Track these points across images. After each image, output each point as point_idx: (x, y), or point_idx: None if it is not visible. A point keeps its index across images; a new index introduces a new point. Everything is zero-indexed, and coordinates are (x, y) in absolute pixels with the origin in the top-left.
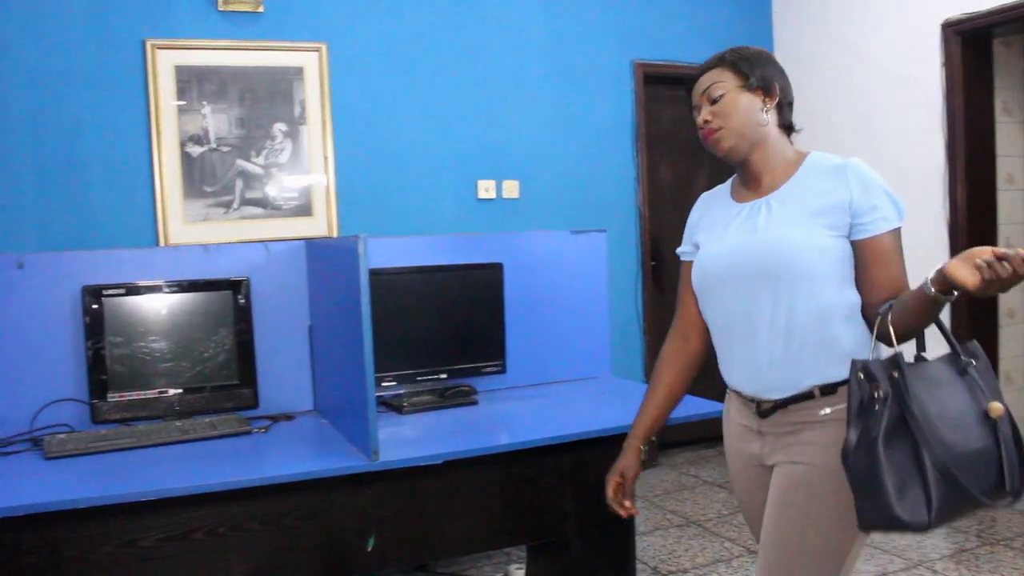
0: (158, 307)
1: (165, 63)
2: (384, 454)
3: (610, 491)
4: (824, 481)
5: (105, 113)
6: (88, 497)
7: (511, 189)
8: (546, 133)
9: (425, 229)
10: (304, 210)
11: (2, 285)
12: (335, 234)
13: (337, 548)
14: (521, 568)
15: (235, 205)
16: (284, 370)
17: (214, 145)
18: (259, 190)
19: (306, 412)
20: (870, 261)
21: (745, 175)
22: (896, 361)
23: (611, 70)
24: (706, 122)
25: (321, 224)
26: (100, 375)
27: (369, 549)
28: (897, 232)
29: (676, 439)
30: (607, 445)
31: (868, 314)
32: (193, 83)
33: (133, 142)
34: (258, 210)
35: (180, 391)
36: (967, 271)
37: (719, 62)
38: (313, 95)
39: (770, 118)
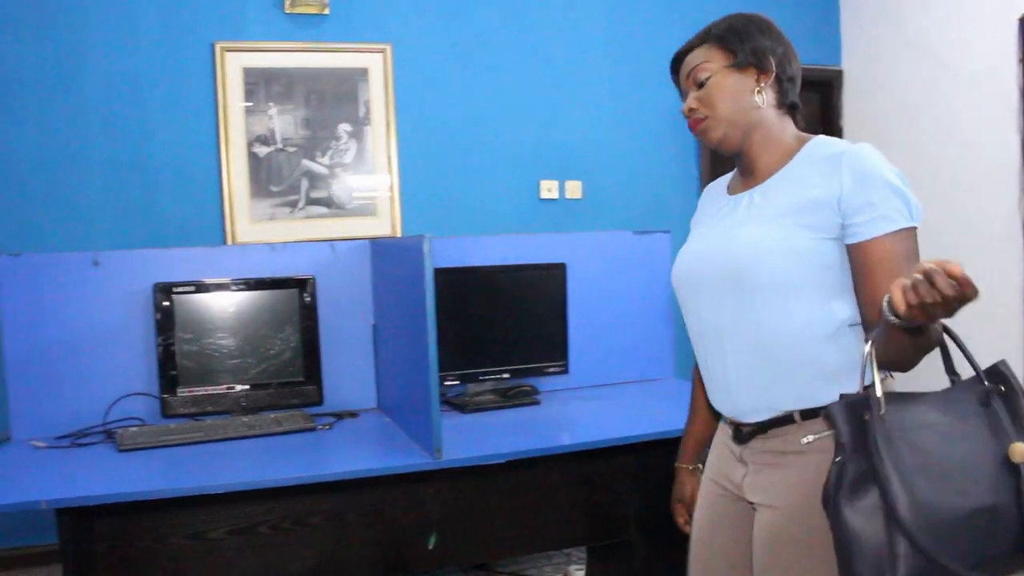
0: (226, 304)
1: (233, 65)
2: (447, 453)
3: (681, 521)
4: (809, 532)
5: (175, 115)
6: (158, 489)
7: (574, 189)
8: (609, 133)
9: (487, 229)
10: (368, 209)
11: (79, 282)
12: (398, 233)
13: (398, 545)
14: (581, 569)
15: (300, 204)
16: (348, 368)
17: (280, 145)
18: (324, 190)
19: (370, 410)
20: (864, 270)
21: (740, 164)
22: (868, 400)
23: None
24: (692, 110)
25: (385, 223)
26: (170, 371)
27: (430, 547)
28: (904, 235)
29: None
30: (670, 447)
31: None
32: (260, 85)
33: (202, 143)
34: (323, 209)
35: (247, 387)
36: (898, 292)
37: (704, 38)
38: (377, 96)
39: (766, 99)
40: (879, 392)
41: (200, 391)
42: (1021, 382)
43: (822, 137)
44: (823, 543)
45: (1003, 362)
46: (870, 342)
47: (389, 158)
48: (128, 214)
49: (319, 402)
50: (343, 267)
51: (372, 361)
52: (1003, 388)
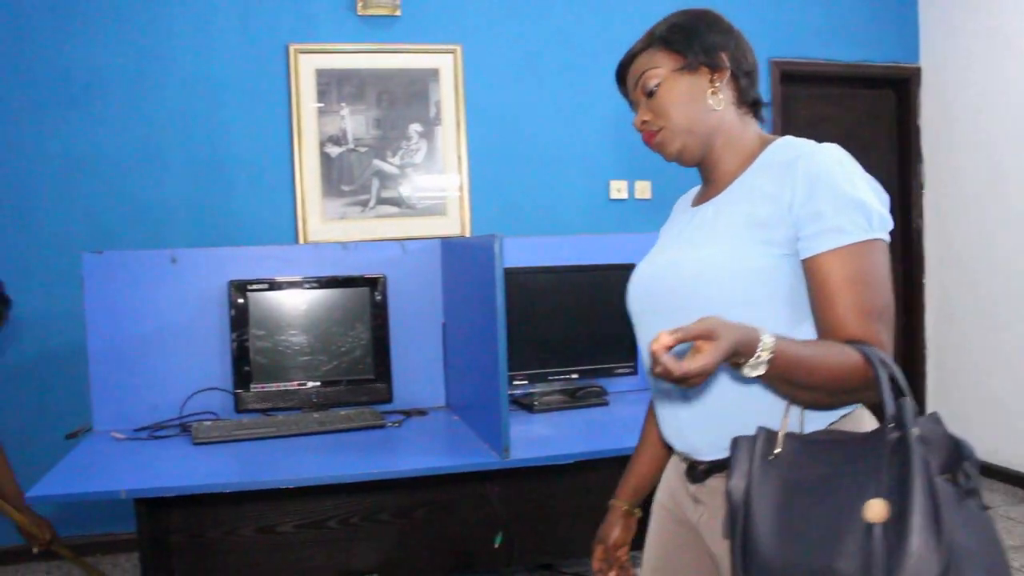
0: (299, 302)
1: (307, 67)
2: (515, 452)
3: (594, 562)
4: None
5: (250, 116)
6: (231, 482)
7: (643, 190)
8: None
9: (556, 229)
10: (438, 209)
11: (158, 279)
12: (468, 233)
13: (464, 543)
14: None
15: (371, 204)
16: (418, 366)
17: (352, 145)
18: (394, 189)
19: (438, 408)
20: (813, 290)
21: (702, 172)
22: (754, 440)
23: None
24: (644, 123)
25: (454, 223)
26: (244, 366)
27: (496, 546)
28: (860, 250)
29: None
30: None
31: None
32: (332, 86)
33: (276, 143)
34: (393, 209)
35: (318, 384)
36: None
37: (648, 41)
38: (448, 96)
39: (724, 99)
40: (782, 430)
41: (272, 387)
42: (946, 435)
43: (786, 139)
44: None
45: (906, 401)
46: None
47: (459, 158)
48: (204, 213)
49: (389, 400)
50: (414, 266)
51: (441, 360)
52: (896, 434)
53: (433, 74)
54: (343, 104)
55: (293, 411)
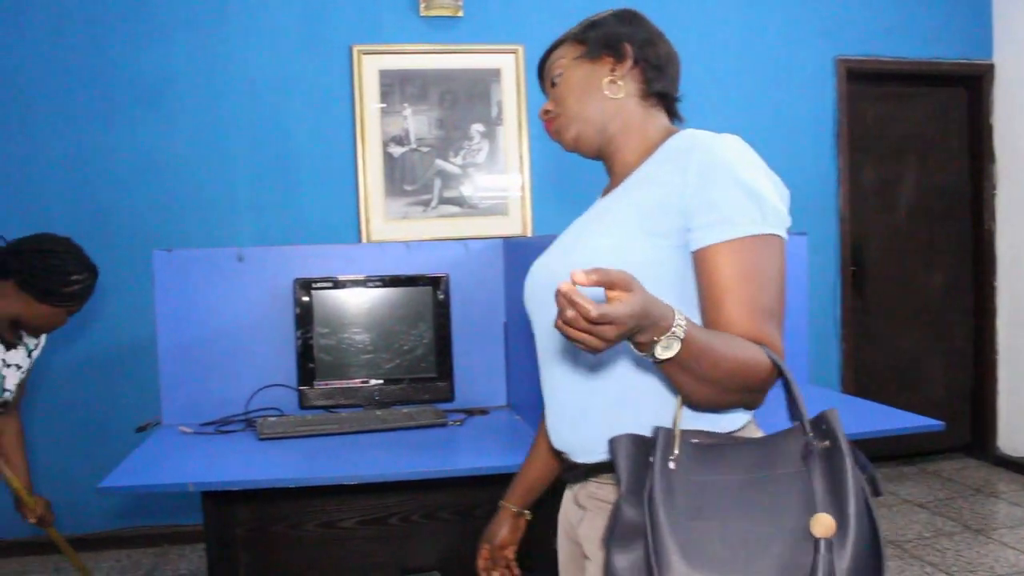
0: (362, 300)
1: (370, 68)
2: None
3: (479, 560)
4: None
5: (314, 117)
6: (295, 477)
7: None
8: (741, 132)
9: None
10: (499, 209)
11: (225, 277)
12: (529, 233)
13: (525, 543)
14: None
15: (433, 204)
16: (479, 365)
17: (414, 145)
18: (456, 189)
19: (500, 407)
20: (700, 284)
21: (605, 165)
22: (656, 439)
23: (811, 66)
24: (546, 112)
25: (515, 223)
26: (308, 363)
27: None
28: (750, 244)
29: (874, 453)
30: None
31: None
32: (395, 86)
33: (339, 143)
34: (455, 209)
35: (380, 382)
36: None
37: (563, 38)
38: (510, 96)
39: (624, 88)
40: (676, 429)
41: (336, 384)
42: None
43: (690, 130)
44: None
45: (833, 412)
46: None
47: (521, 158)
48: (269, 212)
49: (450, 398)
50: (476, 266)
51: (503, 359)
52: (828, 443)
53: (495, 74)
54: (406, 104)
55: (355, 408)
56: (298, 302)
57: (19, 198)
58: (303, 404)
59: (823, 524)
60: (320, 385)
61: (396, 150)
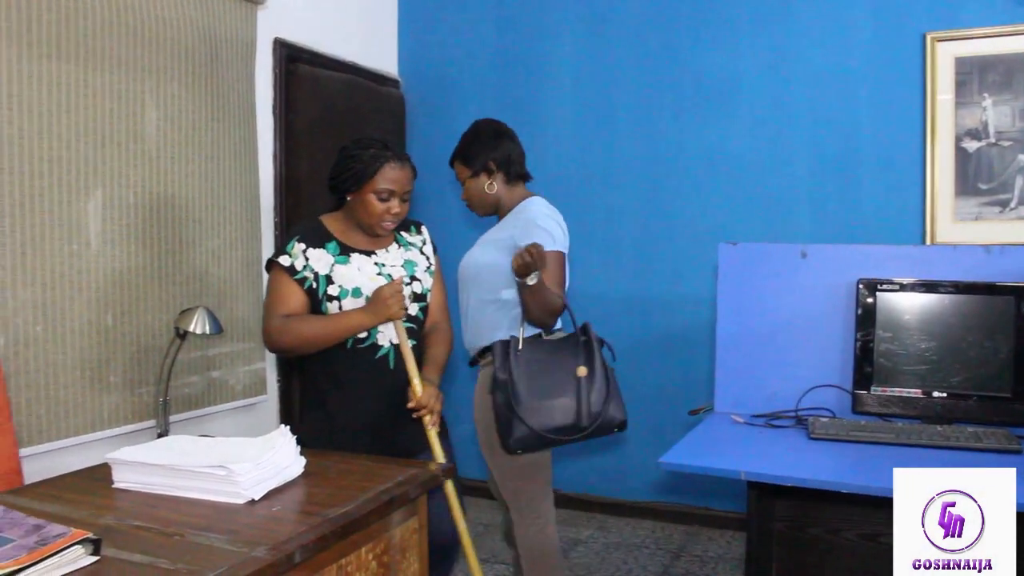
0: (930, 306)
1: (944, 55)
2: None
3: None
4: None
5: (882, 109)
6: (844, 482)
7: None
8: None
9: None
10: None
11: (787, 272)
12: None
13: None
14: None
15: (1012, 204)
16: None
17: (993, 140)
18: None
19: None
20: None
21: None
22: (511, 342)
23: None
24: (463, 200)
25: None
26: (865, 367)
27: None
28: (549, 254)
29: None
30: None
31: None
32: (973, 75)
33: (906, 138)
34: None
35: (944, 395)
36: (515, 257)
37: (455, 153)
38: None
39: (496, 183)
40: (521, 336)
41: (893, 392)
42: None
43: (531, 199)
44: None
45: (587, 324)
46: (520, 311)
47: None
48: (828, 208)
49: None
50: None
51: None
52: (584, 337)
53: None
54: (985, 94)
55: (913, 420)
56: (861, 303)
57: (597, 192)
58: (856, 408)
59: (582, 370)
60: (877, 391)
61: (970, 145)
